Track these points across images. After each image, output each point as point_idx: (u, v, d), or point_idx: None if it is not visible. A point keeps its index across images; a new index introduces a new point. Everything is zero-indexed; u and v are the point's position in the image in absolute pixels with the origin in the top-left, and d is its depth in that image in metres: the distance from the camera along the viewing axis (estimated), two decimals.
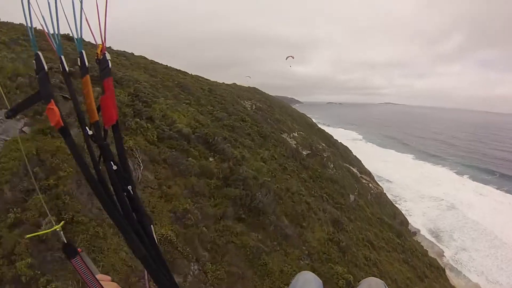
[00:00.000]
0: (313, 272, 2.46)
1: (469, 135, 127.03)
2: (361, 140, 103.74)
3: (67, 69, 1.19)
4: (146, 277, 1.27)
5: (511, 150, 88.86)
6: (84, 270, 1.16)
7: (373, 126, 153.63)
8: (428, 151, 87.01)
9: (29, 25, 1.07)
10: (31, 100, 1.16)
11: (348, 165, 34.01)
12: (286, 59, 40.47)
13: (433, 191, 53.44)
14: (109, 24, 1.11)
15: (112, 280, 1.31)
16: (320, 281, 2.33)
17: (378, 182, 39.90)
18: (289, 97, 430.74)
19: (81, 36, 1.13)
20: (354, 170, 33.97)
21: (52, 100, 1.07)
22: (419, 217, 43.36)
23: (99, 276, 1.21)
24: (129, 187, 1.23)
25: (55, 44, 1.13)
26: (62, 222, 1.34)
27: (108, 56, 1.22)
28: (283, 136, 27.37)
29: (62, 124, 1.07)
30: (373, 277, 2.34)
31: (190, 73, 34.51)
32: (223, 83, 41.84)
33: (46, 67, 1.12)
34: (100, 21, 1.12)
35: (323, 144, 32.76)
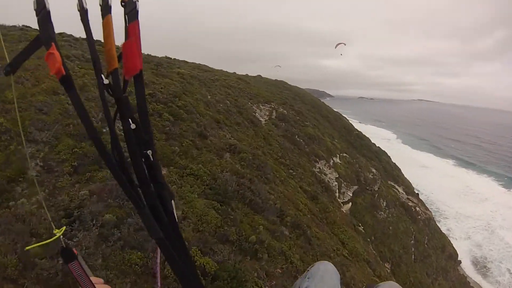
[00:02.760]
0: None
1: (508, 141, 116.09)
2: (394, 140, 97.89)
3: (85, 5, 0.94)
4: (158, 262, 1.22)
5: None
6: (80, 273, 1.15)
7: (405, 124, 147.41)
8: (467, 157, 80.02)
9: None
10: (30, 49, 0.96)
11: (393, 184, 28.60)
12: (336, 47, 35.79)
13: (478, 207, 47.66)
14: None
15: (105, 283, 1.28)
16: (339, 274, 2.28)
17: (417, 193, 34.16)
18: (320, 90, 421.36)
19: None
20: (400, 190, 28.49)
21: (53, 44, 0.87)
22: (462, 241, 37.88)
23: (92, 279, 1.18)
24: (149, 152, 1.03)
25: None
26: (64, 227, 1.20)
27: None
28: (319, 167, 20.55)
29: (64, 73, 0.87)
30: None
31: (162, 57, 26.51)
32: (246, 75, 36.43)
33: (48, 5, 0.88)
34: None
35: (373, 170, 26.28)
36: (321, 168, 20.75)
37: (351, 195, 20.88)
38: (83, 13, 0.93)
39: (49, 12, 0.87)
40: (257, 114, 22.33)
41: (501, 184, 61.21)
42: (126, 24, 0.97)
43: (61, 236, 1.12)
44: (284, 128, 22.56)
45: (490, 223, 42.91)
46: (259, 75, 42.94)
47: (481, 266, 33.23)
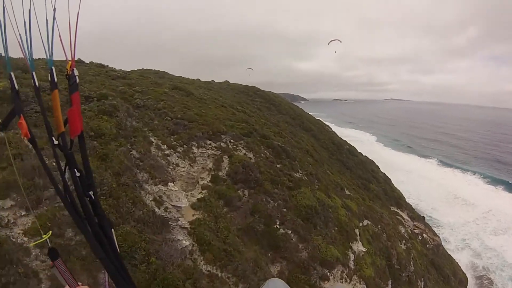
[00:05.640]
0: None
1: (485, 136, 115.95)
2: (375, 143, 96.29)
3: (37, 84, 1.36)
4: (106, 278, 1.40)
5: None
6: (63, 269, 1.43)
7: (381, 125, 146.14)
8: (448, 157, 78.92)
9: (4, 46, 1.21)
10: (10, 115, 1.34)
11: (396, 210, 24.46)
12: (329, 43, 31.97)
13: (470, 211, 45.62)
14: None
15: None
16: None
17: (423, 217, 30.37)
18: (294, 94, 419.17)
19: (52, 53, 1.26)
20: (405, 217, 24.21)
21: (21, 115, 1.28)
22: (461, 252, 34.67)
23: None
24: (91, 193, 1.35)
25: (28, 61, 1.29)
26: (50, 232, 1.58)
27: (76, 72, 1.33)
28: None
29: (30, 136, 1.28)
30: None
31: None
32: (212, 81, 31.71)
33: (16, 87, 1.32)
34: (71, 38, 1.23)
35: (402, 231, 19.34)
36: None
37: None
38: (37, 90, 1.34)
39: (18, 91, 1.28)
40: (171, 187, 10.48)
41: (487, 182, 59.94)
42: (70, 93, 1.30)
43: (48, 239, 1.45)
44: (250, 204, 11.68)
45: (485, 227, 40.85)
46: (227, 81, 38.12)
47: (485, 279, 30.24)
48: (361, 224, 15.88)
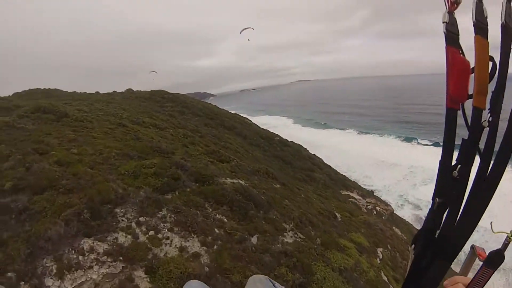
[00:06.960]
0: None
1: (383, 102, 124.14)
2: (293, 125, 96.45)
3: None
4: None
5: (420, 111, 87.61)
6: None
7: (292, 107, 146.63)
8: (363, 125, 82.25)
9: None
10: None
11: (347, 192, 22.71)
12: (241, 32, 30.34)
13: (397, 170, 46.64)
14: None
15: None
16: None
17: (371, 191, 29.71)
18: (202, 92, 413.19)
19: None
20: (357, 197, 22.56)
21: None
22: (402, 209, 35.39)
23: None
24: None
25: None
26: None
27: None
28: None
29: None
30: (258, 274, 2.24)
31: None
32: (114, 92, 27.28)
33: None
34: None
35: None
36: None
37: None
38: None
39: None
40: None
41: (403, 141, 63.70)
42: None
43: None
44: None
45: (414, 181, 42.28)
46: (130, 89, 33.88)
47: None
48: (378, 260, 9.99)
